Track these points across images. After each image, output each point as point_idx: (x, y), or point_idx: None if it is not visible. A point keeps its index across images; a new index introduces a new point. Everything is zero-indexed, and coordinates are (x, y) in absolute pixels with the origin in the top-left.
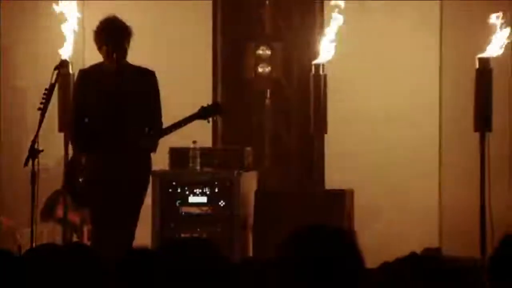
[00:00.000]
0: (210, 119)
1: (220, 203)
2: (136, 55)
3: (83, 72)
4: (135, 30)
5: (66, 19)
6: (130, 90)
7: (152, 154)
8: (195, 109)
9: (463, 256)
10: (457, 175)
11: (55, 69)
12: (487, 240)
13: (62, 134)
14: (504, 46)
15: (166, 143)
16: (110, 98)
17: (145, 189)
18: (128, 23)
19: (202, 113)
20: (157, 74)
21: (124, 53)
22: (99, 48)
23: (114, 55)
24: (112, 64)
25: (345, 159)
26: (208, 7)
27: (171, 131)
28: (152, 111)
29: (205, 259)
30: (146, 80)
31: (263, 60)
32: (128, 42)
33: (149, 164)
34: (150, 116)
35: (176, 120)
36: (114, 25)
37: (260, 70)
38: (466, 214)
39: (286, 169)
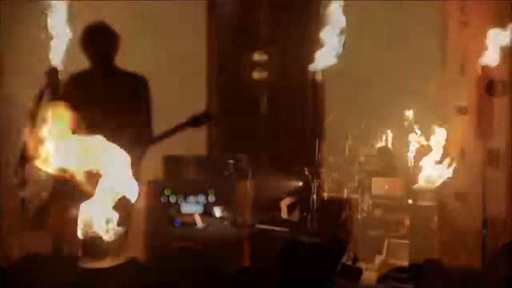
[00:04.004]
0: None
1: (215, 212)
2: (128, 61)
3: (71, 77)
4: (129, 35)
5: (58, 26)
6: (116, 95)
7: (143, 162)
8: (189, 115)
9: (464, 266)
10: (459, 184)
11: (44, 76)
12: (487, 247)
13: None
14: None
15: (159, 151)
16: (95, 103)
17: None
18: (119, 28)
19: (193, 122)
20: (149, 80)
21: (106, 57)
22: (84, 53)
23: (96, 60)
24: (97, 69)
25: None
26: (202, 11)
27: (160, 140)
28: (141, 118)
29: (199, 268)
30: (135, 85)
31: (259, 65)
32: (112, 46)
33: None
34: (138, 123)
35: (168, 128)
36: (95, 30)
37: (256, 75)
38: (467, 222)
39: (283, 177)
